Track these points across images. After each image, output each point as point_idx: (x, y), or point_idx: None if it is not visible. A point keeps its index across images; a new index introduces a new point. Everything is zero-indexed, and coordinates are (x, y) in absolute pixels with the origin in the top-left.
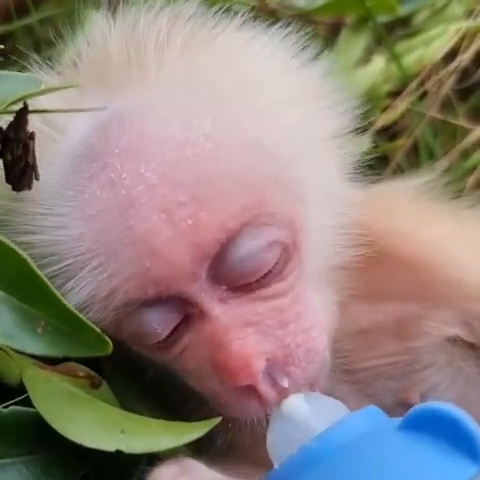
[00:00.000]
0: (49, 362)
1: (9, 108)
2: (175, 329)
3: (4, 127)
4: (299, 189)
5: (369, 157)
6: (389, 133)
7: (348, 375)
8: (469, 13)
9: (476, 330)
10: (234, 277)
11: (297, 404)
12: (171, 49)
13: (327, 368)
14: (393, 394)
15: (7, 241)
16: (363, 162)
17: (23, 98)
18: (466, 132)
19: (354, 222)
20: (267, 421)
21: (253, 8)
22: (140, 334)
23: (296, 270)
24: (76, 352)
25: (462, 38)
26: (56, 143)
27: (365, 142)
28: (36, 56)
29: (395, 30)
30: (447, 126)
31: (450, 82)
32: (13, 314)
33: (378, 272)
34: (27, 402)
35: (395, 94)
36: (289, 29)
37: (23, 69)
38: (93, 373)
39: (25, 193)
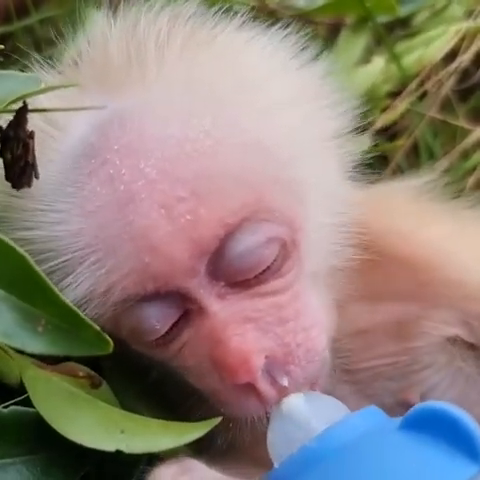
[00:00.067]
0: (49, 362)
1: (9, 107)
2: (174, 325)
3: (4, 126)
4: (299, 189)
5: (369, 157)
6: (389, 133)
7: (348, 375)
8: (469, 14)
9: (476, 330)
10: (233, 273)
11: (297, 403)
12: (171, 49)
13: (327, 368)
14: (393, 394)
15: (6, 239)
16: (363, 162)
17: (23, 97)
18: (466, 132)
19: (354, 222)
20: (268, 420)
21: (253, 8)
22: (139, 330)
23: (295, 268)
24: (76, 351)
25: (462, 39)
26: (56, 142)
27: (365, 142)
28: (37, 55)
29: (395, 30)
30: (447, 126)
31: (450, 83)
32: (13, 313)
33: (378, 272)
34: (27, 402)
35: (395, 94)
36: (289, 29)
37: (24, 68)
38: (93, 373)
39: (24, 190)
